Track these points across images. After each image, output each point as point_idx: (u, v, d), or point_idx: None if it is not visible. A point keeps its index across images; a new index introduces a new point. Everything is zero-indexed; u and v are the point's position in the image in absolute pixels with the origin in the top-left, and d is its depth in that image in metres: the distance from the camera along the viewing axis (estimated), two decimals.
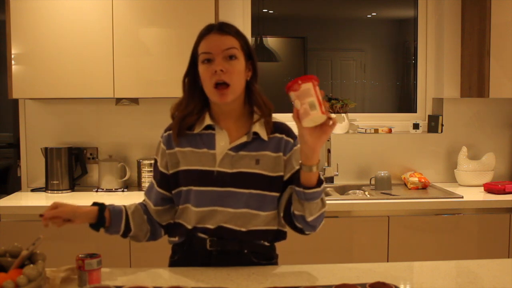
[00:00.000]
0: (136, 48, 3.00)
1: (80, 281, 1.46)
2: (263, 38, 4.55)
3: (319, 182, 1.60)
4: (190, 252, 1.70)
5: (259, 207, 1.66)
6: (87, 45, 2.96)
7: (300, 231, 1.70)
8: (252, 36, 3.56)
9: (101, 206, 1.76)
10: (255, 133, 1.66)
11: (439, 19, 3.54)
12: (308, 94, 1.45)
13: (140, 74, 3.00)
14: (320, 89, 1.48)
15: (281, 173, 1.68)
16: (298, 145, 1.66)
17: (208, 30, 1.65)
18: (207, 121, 1.68)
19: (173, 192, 1.73)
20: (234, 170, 1.64)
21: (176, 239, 1.73)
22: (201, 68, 1.63)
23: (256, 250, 1.70)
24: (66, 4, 2.96)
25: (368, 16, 4.93)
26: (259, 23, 3.99)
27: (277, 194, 1.69)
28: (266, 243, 1.72)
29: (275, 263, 1.77)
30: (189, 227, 1.68)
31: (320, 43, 5.16)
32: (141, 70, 3.00)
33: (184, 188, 1.69)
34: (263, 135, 1.67)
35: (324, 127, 1.49)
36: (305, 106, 1.45)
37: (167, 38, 3.03)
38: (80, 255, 1.46)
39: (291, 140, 1.70)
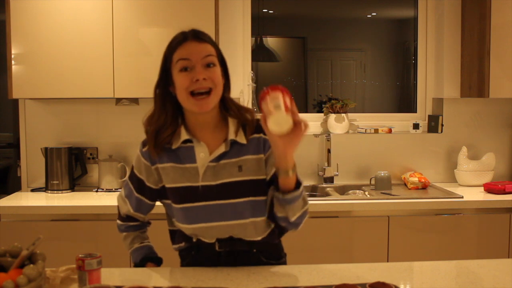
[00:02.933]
0: (136, 48, 3.00)
1: (80, 281, 1.46)
2: (263, 38, 4.54)
3: (298, 185, 1.55)
4: (198, 256, 1.69)
5: (253, 214, 1.63)
6: (87, 45, 2.97)
7: (284, 229, 1.70)
8: (252, 36, 3.56)
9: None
10: (232, 140, 1.63)
11: (439, 19, 3.54)
12: (275, 99, 1.43)
13: (140, 74, 3.00)
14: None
15: (260, 177, 1.64)
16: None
17: (183, 39, 1.62)
18: (184, 135, 1.64)
19: (162, 201, 1.72)
20: (218, 182, 1.62)
21: (182, 244, 1.71)
22: (179, 76, 1.58)
23: (265, 249, 1.70)
24: (66, 4, 2.96)
25: (368, 16, 4.93)
26: (259, 23, 3.99)
27: (265, 197, 1.66)
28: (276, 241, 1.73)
29: (284, 262, 1.77)
30: (194, 240, 1.67)
31: (320, 43, 5.15)
32: (141, 70, 3.00)
33: (174, 205, 1.65)
34: (241, 139, 1.63)
35: (294, 131, 1.44)
36: (270, 107, 1.43)
37: (167, 38, 2.99)
38: (80, 255, 1.46)
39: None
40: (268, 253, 1.71)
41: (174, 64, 1.61)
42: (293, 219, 1.60)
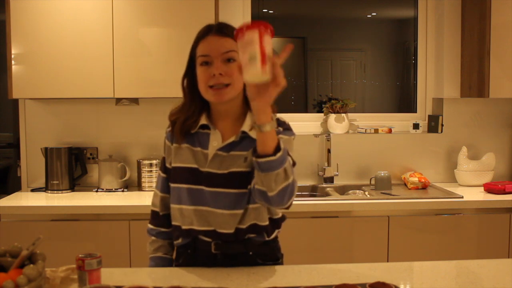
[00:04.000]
0: (136, 48, 3.00)
1: (80, 281, 1.46)
2: None
3: (277, 149, 1.43)
4: (194, 255, 1.70)
5: (247, 204, 1.63)
6: (87, 45, 2.96)
7: (273, 213, 1.69)
8: None
9: None
10: (243, 132, 1.64)
11: (439, 19, 3.54)
12: (250, 44, 1.28)
13: (140, 74, 3.00)
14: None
15: None
16: (287, 136, 1.63)
17: (206, 32, 1.63)
18: (202, 120, 1.68)
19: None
20: (223, 171, 1.63)
21: (179, 241, 1.72)
22: (199, 71, 1.62)
23: (261, 251, 1.69)
24: (66, 4, 2.96)
25: (368, 16, 4.93)
26: None
27: None
28: (267, 238, 1.69)
29: (281, 263, 1.77)
30: (184, 227, 1.68)
31: (320, 43, 5.15)
32: (141, 70, 3.00)
33: (173, 185, 1.69)
34: (253, 133, 1.60)
35: (268, 86, 1.35)
36: (245, 58, 1.29)
37: (167, 38, 3.03)
38: (80, 255, 1.46)
39: (280, 129, 1.63)
40: (265, 255, 1.70)
41: (196, 57, 1.63)
42: (271, 193, 1.47)
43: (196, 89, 1.66)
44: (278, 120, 1.68)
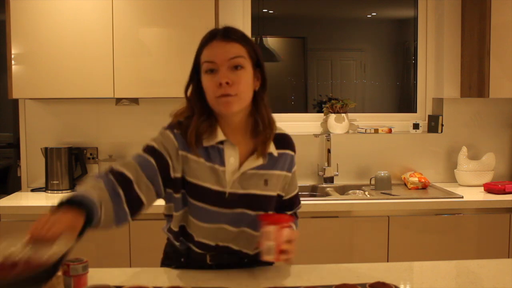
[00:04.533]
0: (136, 48, 3.00)
1: (65, 287, 1.40)
2: (263, 38, 4.55)
3: None
4: (187, 262, 1.66)
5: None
6: (87, 45, 2.97)
7: None
8: (252, 36, 3.56)
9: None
10: (270, 154, 1.60)
11: (439, 19, 3.54)
12: (268, 236, 1.50)
13: (140, 74, 3.00)
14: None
15: (280, 192, 1.67)
16: (295, 168, 1.70)
17: (211, 37, 1.52)
18: (220, 136, 1.56)
19: (167, 190, 1.59)
20: (245, 191, 1.57)
21: (176, 244, 1.67)
22: (205, 79, 1.51)
23: (256, 259, 1.64)
24: (66, 4, 2.96)
25: (368, 16, 4.93)
26: (259, 23, 3.99)
27: None
28: None
29: None
30: (200, 240, 1.61)
31: (320, 43, 5.16)
32: (141, 70, 3.00)
33: (193, 201, 1.57)
34: (274, 151, 1.61)
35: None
36: (264, 242, 1.51)
37: (167, 38, 3.03)
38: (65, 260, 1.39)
39: (294, 154, 1.69)
40: (260, 262, 1.62)
41: (201, 64, 1.53)
42: None
43: (203, 98, 1.55)
44: (288, 138, 1.69)
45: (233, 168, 1.57)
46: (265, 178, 1.59)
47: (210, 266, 1.65)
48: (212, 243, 1.61)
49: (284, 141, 1.66)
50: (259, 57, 1.57)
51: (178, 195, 1.58)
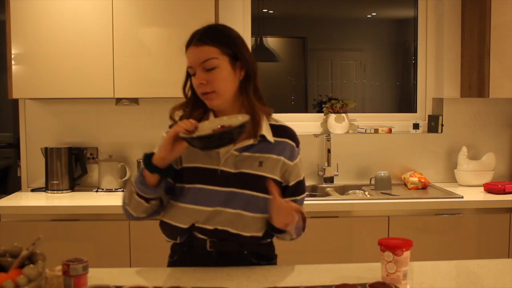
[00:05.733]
0: (136, 48, 3.00)
1: (65, 287, 1.40)
2: (263, 38, 4.55)
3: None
4: (189, 252, 1.70)
5: (259, 209, 1.65)
6: (87, 45, 2.97)
7: None
8: (252, 36, 3.56)
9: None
10: (262, 136, 1.66)
11: (439, 19, 3.54)
12: (406, 263, 1.49)
13: (140, 74, 3.00)
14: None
15: (277, 177, 1.68)
16: (297, 160, 1.74)
17: (189, 42, 1.64)
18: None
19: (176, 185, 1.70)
20: (238, 171, 1.64)
21: (177, 240, 1.71)
22: (192, 79, 1.66)
23: (256, 251, 1.71)
24: (66, 4, 2.96)
25: (368, 16, 4.93)
26: (259, 23, 3.99)
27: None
28: (268, 240, 1.74)
29: (275, 263, 1.78)
30: (185, 226, 1.66)
31: (320, 43, 5.16)
32: (141, 70, 3.00)
33: (188, 186, 1.66)
34: (270, 137, 1.67)
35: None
36: (399, 273, 1.49)
37: (167, 38, 3.03)
38: (65, 260, 1.40)
39: (295, 146, 1.73)
40: (259, 254, 1.72)
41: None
42: (291, 238, 1.71)
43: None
44: (289, 129, 1.74)
45: (228, 149, 1.64)
46: (260, 160, 1.65)
47: (210, 253, 1.67)
48: (211, 227, 1.64)
49: (282, 130, 1.72)
50: (238, 50, 1.65)
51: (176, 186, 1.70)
